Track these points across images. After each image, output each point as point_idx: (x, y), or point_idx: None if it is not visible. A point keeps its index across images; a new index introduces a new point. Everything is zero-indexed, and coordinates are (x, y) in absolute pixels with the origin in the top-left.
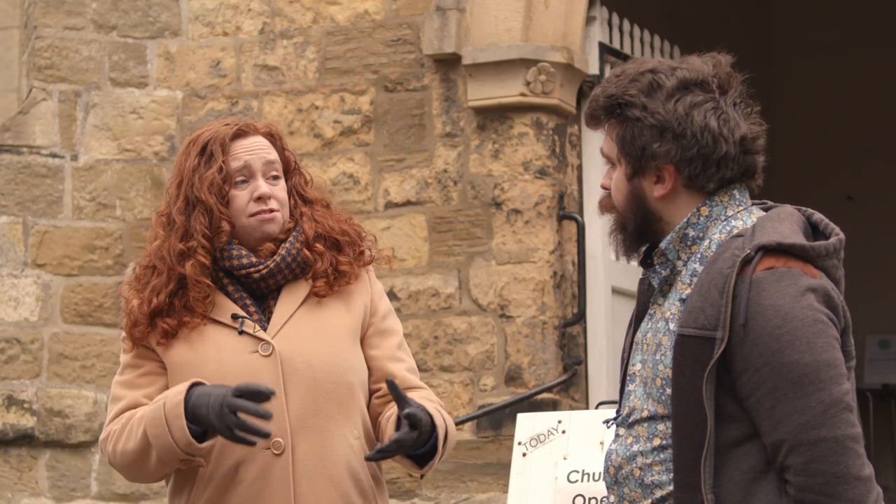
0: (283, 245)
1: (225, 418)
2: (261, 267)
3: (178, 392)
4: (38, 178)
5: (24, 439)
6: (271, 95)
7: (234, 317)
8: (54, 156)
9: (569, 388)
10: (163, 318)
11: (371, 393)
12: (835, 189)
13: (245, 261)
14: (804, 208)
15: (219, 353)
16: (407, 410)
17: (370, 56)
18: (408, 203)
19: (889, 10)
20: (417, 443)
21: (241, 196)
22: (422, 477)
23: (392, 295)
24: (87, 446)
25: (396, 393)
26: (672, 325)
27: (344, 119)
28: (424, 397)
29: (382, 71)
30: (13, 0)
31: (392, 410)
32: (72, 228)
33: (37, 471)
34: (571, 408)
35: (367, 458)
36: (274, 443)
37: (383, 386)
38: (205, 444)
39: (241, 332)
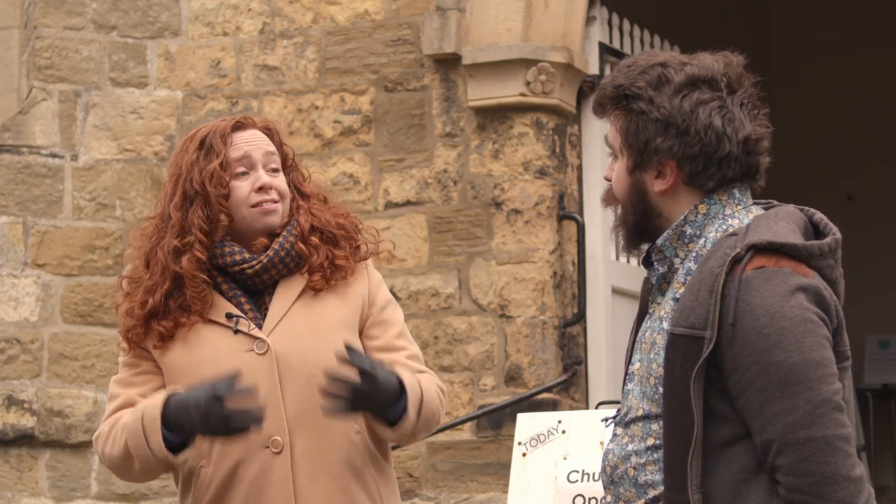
0: (276, 240)
1: (212, 421)
2: (254, 263)
3: (154, 405)
4: (38, 178)
5: (24, 439)
6: (271, 95)
7: (229, 316)
8: (54, 156)
9: (569, 388)
10: (158, 320)
11: None
12: (835, 189)
13: (238, 257)
14: (806, 208)
15: (214, 354)
16: (355, 359)
17: (370, 56)
18: (408, 203)
19: (889, 12)
20: (374, 394)
21: (241, 187)
22: (395, 444)
23: (392, 295)
24: (87, 446)
25: (352, 356)
26: (665, 324)
27: (344, 119)
28: (413, 370)
29: (382, 71)
30: (13, 0)
31: None
32: (72, 228)
33: (37, 471)
34: (571, 408)
35: (325, 412)
36: (272, 441)
37: None
38: (181, 456)
39: (237, 332)
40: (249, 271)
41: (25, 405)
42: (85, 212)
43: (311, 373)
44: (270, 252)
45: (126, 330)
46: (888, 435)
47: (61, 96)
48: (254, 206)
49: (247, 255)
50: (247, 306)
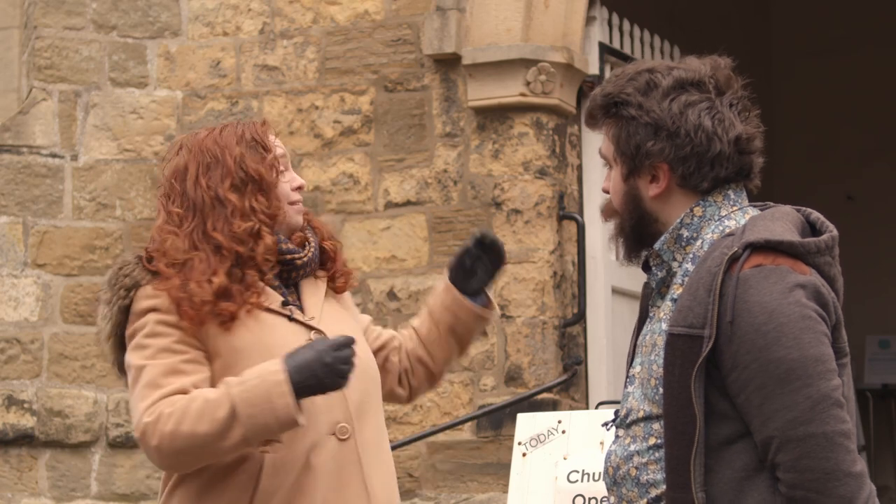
0: (309, 236)
1: (337, 371)
2: (302, 255)
3: (272, 371)
4: (38, 178)
5: (24, 439)
6: (271, 95)
7: (285, 303)
8: (54, 156)
9: (569, 388)
10: (224, 300)
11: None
12: (835, 189)
13: (290, 246)
14: (802, 208)
15: (283, 339)
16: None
17: (370, 56)
18: (408, 203)
19: (889, 11)
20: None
21: (283, 184)
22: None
23: (392, 295)
24: (87, 446)
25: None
26: (665, 325)
27: (344, 119)
28: None
29: (382, 71)
30: (13, 0)
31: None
32: (72, 228)
33: (37, 471)
34: (571, 408)
35: (479, 237)
36: (339, 428)
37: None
38: (301, 419)
39: (292, 320)
40: (298, 262)
41: (25, 405)
42: (85, 212)
43: (364, 363)
44: (312, 248)
45: (196, 308)
46: (888, 435)
47: (61, 96)
48: (291, 203)
49: (292, 246)
50: (291, 297)
